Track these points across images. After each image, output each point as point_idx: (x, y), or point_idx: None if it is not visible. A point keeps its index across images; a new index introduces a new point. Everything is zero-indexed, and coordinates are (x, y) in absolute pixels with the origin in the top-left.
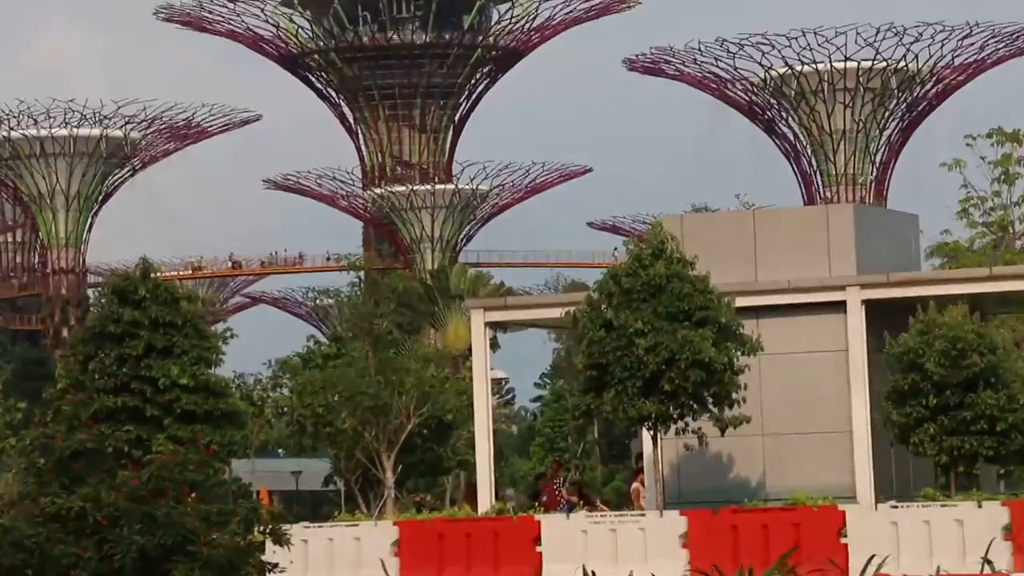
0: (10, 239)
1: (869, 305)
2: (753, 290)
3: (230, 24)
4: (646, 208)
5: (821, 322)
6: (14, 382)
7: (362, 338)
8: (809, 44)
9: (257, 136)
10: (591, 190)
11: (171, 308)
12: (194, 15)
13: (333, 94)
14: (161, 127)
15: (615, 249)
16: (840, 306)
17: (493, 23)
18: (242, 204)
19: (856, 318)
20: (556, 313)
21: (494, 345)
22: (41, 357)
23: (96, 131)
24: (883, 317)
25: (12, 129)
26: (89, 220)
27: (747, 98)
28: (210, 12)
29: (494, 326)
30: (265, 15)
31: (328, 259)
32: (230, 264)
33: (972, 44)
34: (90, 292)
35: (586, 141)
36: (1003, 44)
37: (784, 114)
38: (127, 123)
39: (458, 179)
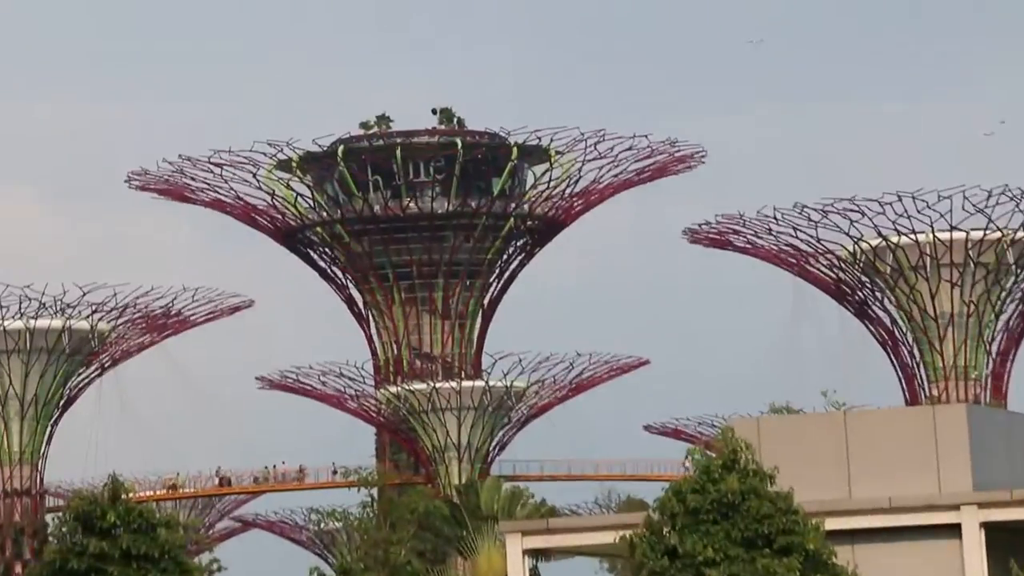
0: None
1: (989, 528)
2: (847, 510)
3: (216, 192)
4: (714, 408)
5: (931, 549)
6: None
7: (376, 570)
8: (907, 211)
9: (249, 325)
10: (648, 386)
11: (146, 537)
12: (173, 182)
13: (339, 274)
14: (135, 316)
15: (687, 459)
16: (954, 529)
17: (528, 188)
18: (231, 407)
19: (974, 543)
20: (609, 538)
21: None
22: None
23: (57, 322)
24: (1007, 543)
25: None
26: (48, 430)
27: (833, 275)
28: (192, 178)
29: (534, 554)
30: (258, 181)
31: (335, 473)
32: (217, 481)
33: None
34: (49, 518)
35: (641, 328)
36: None
37: (879, 294)
38: (94, 312)
39: (489, 374)
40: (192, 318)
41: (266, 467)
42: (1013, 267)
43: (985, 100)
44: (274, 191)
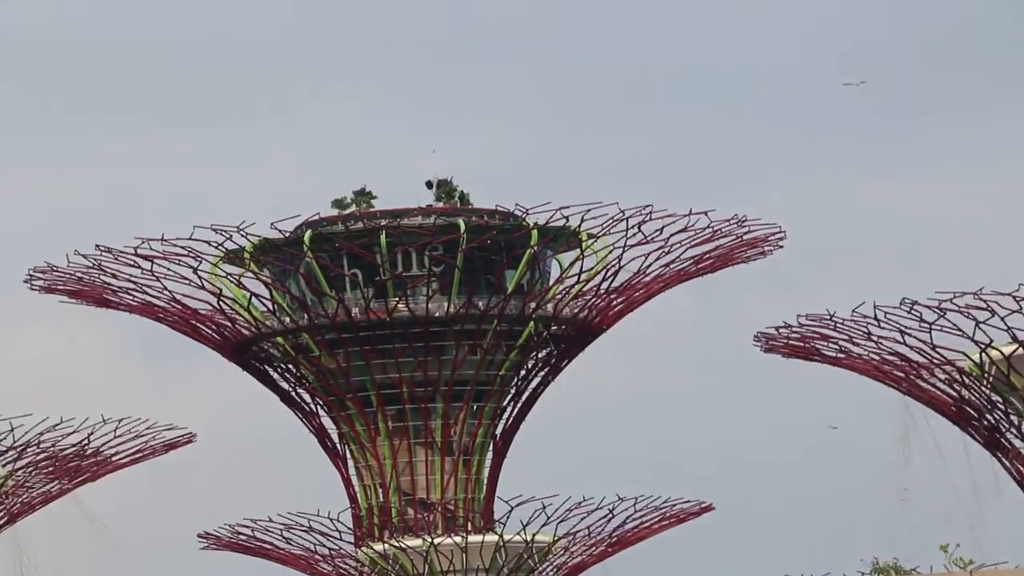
0: None
1: None
2: None
3: (146, 294)
4: (799, 567)
5: None
6: None
7: None
8: None
9: (189, 465)
10: (712, 539)
11: None
12: (89, 281)
13: (307, 397)
14: (39, 457)
15: None
16: None
17: (552, 282)
18: (165, 570)
19: None
20: None
21: None
22: None
23: None
24: None
25: None
26: None
27: (955, 393)
28: (114, 276)
29: None
30: (200, 278)
31: None
32: None
33: None
34: None
35: (703, 464)
36: None
37: (1015, 418)
38: None
39: (503, 526)
40: (114, 458)
41: None
42: None
43: None
44: (221, 291)
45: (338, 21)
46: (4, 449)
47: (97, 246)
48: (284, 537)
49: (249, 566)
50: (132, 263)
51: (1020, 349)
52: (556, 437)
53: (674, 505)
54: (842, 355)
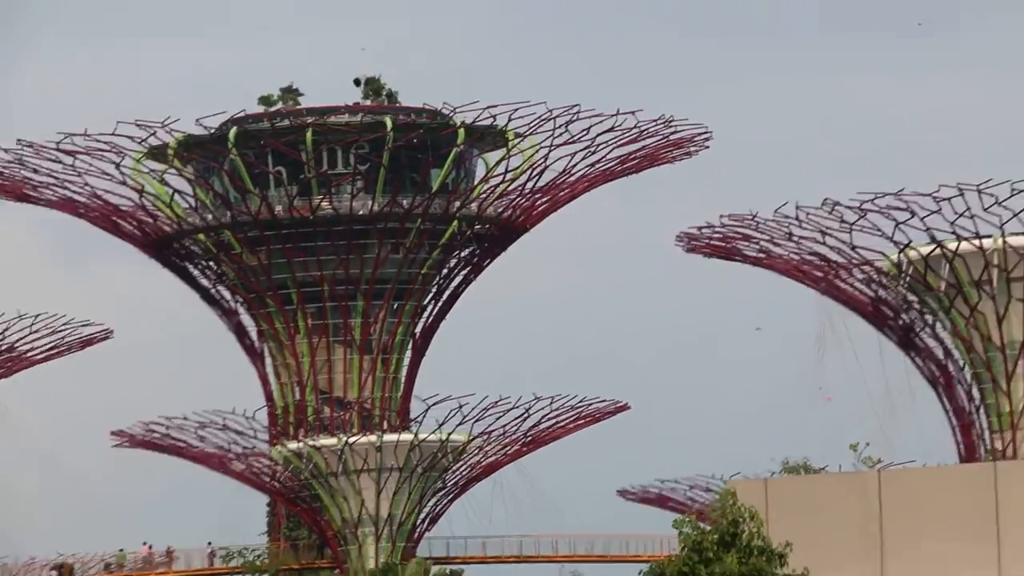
0: None
1: None
2: None
3: (67, 189)
4: (711, 467)
5: None
6: None
7: None
8: (969, 209)
9: (106, 362)
10: (626, 439)
11: None
12: (9, 176)
13: (226, 294)
14: None
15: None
16: None
17: (477, 181)
18: (77, 466)
19: None
20: None
21: None
22: None
23: None
24: None
25: None
26: None
27: (872, 293)
28: (35, 171)
29: None
30: (123, 174)
31: (213, 556)
32: (55, 573)
33: None
34: None
35: (619, 364)
36: None
37: (930, 318)
38: None
39: (419, 425)
40: (29, 354)
41: (121, 550)
42: None
43: None
44: (143, 187)
45: None
46: None
47: (19, 140)
48: (198, 435)
49: (162, 466)
50: (53, 158)
51: (937, 249)
52: (476, 337)
53: (589, 404)
54: (763, 255)
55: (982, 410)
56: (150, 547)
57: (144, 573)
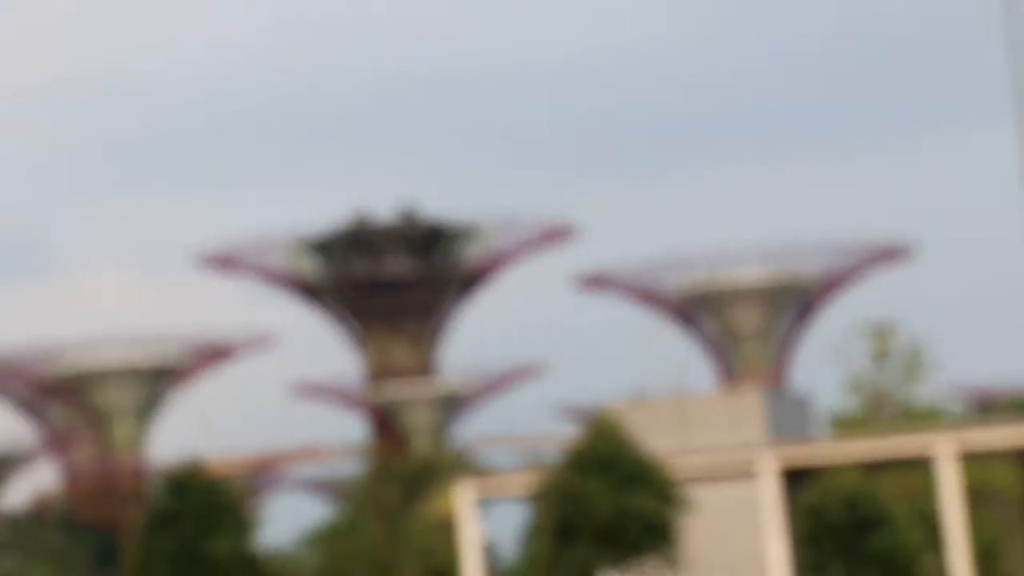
0: (84, 447)
1: (780, 469)
2: (685, 460)
3: (255, 265)
4: (597, 397)
5: (741, 484)
6: (93, 564)
7: (372, 512)
8: (720, 259)
9: (281, 354)
10: (554, 385)
11: (215, 495)
12: (225, 258)
13: (340, 317)
14: (202, 349)
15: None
16: (757, 470)
17: (461, 255)
18: (272, 410)
19: (769, 479)
20: (529, 484)
21: (480, 513)
22: (114, 542)
23: (149, 355)
24: (792, 478)
25: (82, 356)
26: (147, 428)
27: (673, 305)
28: (239, 256)
29: (478, 498)
30: (283, 257)
31: (343, 448)
32: (262, 457)
33: (848, 257)
34: (150, 487)
35: (546, 345)
36: (863, 259)
37: (703, 316)
38: (175, 347)
39: (443, 379)
40: (239, 347)
41: (295, 445)
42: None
43: None
44: (295, 262)
45: None
46: (184, 344)
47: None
48: (331, 387)
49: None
50: (249, 250)
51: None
52: (468, 334)
53: (530, 365)
54: (620, 287)
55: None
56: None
57: (308, 455)
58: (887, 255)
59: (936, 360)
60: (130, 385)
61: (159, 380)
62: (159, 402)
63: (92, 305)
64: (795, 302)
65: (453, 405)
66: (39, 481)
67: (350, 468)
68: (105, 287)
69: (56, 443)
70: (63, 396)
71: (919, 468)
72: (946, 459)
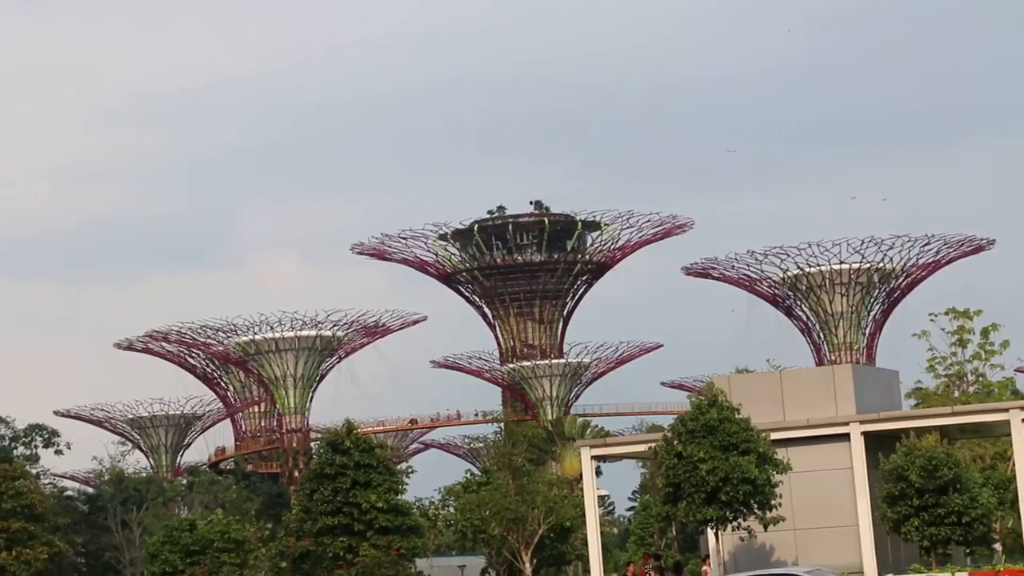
0: (256, 410)
1: (866, 435)
2: (782, 427)
3: (403, 254)
4: (703, 372)
5: (833, 448)
6: (262, 510)
7: (504, 470)
8: (815, 253)
9: (425, 332)
10: (664, 361)
11: (369, 454)
12: (378, 248)
13: (477, 299)
14: (358, 328)
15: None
16: (845, 436)
17: (588, 245)
18: (416, 381)
19: (857, 444)
20: (642, 448)
21: (598, 472)
22: (280, 492)
23: (313, 332)
24: (877, 444)
25: (256, 333)
26: (310, 395)
27: (771, 291)
28: (389, 246)
29: (598, 458)
30: (427, 247)
31: (477, 415)
32: (409, 422)
33: (930, 249)
34: (313, 445)
35: (658, 326)
36: (953, 249)
37: (799, 302)
38: (334, 326)
39: (568, 355)
40: (391, 327)
41: (438, 413)
42: (877, 284)
43: None
44: (437, 252)
45: None
46: (342, 323)
47: (382, 233)
48: (468, 362)
49: (454, 376)
50: (398, 240)
51: (800, 271)
52: (592, 316)
53: (645, 344)
54: (721, 275)
55: (824, 343)
56: (449, 411)
57: (448, 422)
58: (967, 248)
59: (1008, 341)
60: (296, 358)
61: (321, 353)
62: (321, 373)
63: (267, 289)
64: (882, 289)
65: (577, 378)
66: (218, 439)
67: (486, 432)
68: (278, 274)
69: (233, 407)
70: (240, 367)
71: (991, 437)
72: (1018, 427)
